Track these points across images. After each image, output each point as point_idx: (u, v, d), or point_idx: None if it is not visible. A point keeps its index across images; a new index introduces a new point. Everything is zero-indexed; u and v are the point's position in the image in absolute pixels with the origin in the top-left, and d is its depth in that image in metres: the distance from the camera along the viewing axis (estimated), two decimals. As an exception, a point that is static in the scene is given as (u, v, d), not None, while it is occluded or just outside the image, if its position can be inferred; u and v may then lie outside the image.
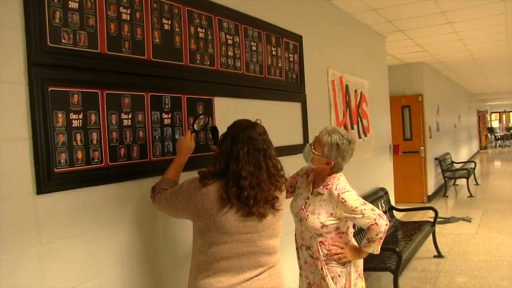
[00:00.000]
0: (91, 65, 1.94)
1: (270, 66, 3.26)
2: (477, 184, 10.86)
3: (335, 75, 4.49)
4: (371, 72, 5.68)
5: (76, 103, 1.87)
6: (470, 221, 7.11)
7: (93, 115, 1.94)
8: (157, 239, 2.27)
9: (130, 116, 2.12)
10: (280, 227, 1.97)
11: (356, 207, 2.27)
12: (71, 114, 1.85)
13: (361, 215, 2.28)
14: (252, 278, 1.83)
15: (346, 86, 4.76)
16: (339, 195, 2.29)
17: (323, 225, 2.30)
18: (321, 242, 2.34)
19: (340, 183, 2.36)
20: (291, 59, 3.59)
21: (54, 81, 1.78)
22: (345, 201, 2.28)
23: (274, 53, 3.33)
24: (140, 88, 2.18)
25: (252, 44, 3.07)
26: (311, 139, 3.65)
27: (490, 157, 20.04)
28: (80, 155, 1.87)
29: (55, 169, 1.77)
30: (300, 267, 2.54)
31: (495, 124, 33.18)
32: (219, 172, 1.81)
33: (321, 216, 2.31)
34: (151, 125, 2.23)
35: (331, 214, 2.31)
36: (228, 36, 2.83)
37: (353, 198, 2.29)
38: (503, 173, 14.12)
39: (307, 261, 2.43)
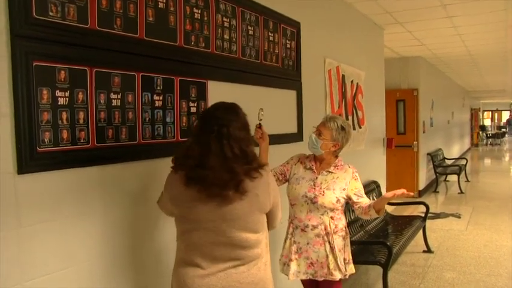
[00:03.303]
0: (80, 40, 1.84)
1: (266, 52, 3.18)
2: (468, 181, 10.90)
3: (332, 65, 4.41)
4: (368, 64, 5.61)
5: (63, 80, 1.78)
6: (460, 217, 7.12)
7: (80, 93, 1.85)
8: (141, 226, 2.19)
9: (119, 96, 2.03)
10: (257, 222, 1.84)
11: (362, 187, 2.66)
12: (57, 91, 1.75)
13: (363, 196, 2.63)
14: (227, 269, 1.78)
15: (343, 76, 4.69)
16: (353, 172, 2.65)
17: (337, 200, 2.57)
18: (331, 217, 2.58)
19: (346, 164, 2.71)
20: (288, 45, 3.50)
21: (40, 56, 1.68)
22: (357, 178, 2.65)
23: (271, 38, 3.25)
24: (131, 67, 2.09)
25: (249, 28, 2.98)
26: (306, 128, 3.60)
27: (481, 155, 20.15)
28: (65, 134, 1.79)
29: (38, 148, 1.68)
30: (296, 252, 2.60)
31: (487, 122, 33.41)
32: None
33: (336, 192, 2.58)
34: (141, 106, 2.15)
35: (344, 189, 2.60)
36: (225, 19, 2.74)
37: (360, 180, 2.67)
38: (493, 171, 14.23)
39: (310, 242, 2.58)
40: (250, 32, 2.99)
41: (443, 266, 4.87)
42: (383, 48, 6.46)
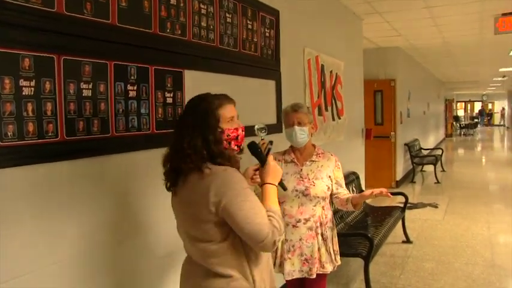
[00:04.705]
0: (45, 25, 1.71)
1: (244, 40, 3.08)
2: (443, 171, 11.04)
3: (311, 55, 4.34)
4: (347, 54, 5.56)
5: (27, 68, 1.65)
6: (437, 207, 7.20)
7: (47, 83, 1.72)
8: (118, 222, 2.08)
9: (90, 86, 1.91)
10: (198, 229, 1.61)
11: (342, 177, 2.65)
12: (21, 80, 1.63)
13: (343, 187, 2.62)
14: (192, 265, 1.73)
15: (322, 66, 4.62)
16: (336, 161, 2.64)
17: (328, 188, 2.55)
18: (323, 207, 2.56)
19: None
20: (267, 34, 3.41)
21: (0, 41, 1.55)
22: (340, 168, 2.64)
23: (249, 26, 3.15)
24: (103, 56, 1.97)
25: (227, 15, 2.87)
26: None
27: (455, 145, 20.49)
28: (31, 127, 1.66)
29: (1, 142, 1.56)
30: (288, 250, 2.52)
31: (460, 113, 34.07)
32: None
33: (324, 180, 2.55)
34: (114, 97, 2.03)
35: (329, 177, 2.58)
36: (202, 6, 2.63)
37: (342, 169, 2.67)
38: (467, 161, 14.48)
39: (302, 237, 2.51)
40: (228, 20, 2.89)
41: (423, 256, 4.89)
42: (362, 39, 6.42)
